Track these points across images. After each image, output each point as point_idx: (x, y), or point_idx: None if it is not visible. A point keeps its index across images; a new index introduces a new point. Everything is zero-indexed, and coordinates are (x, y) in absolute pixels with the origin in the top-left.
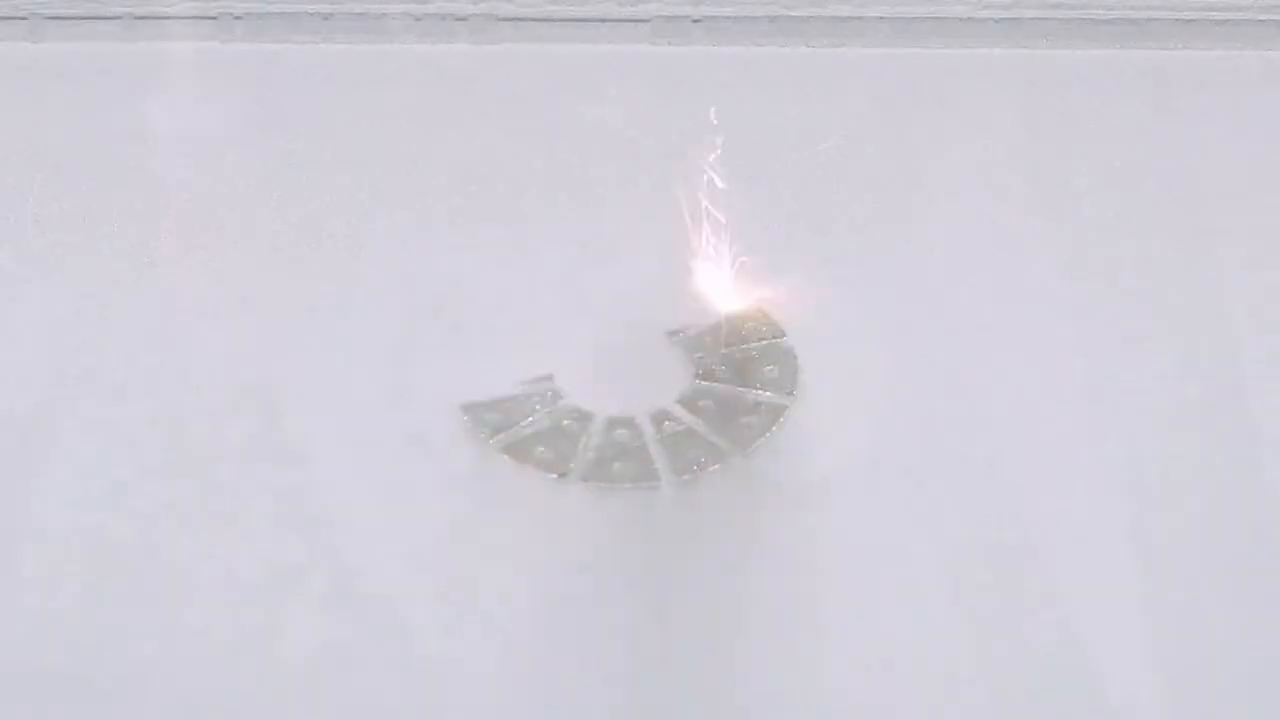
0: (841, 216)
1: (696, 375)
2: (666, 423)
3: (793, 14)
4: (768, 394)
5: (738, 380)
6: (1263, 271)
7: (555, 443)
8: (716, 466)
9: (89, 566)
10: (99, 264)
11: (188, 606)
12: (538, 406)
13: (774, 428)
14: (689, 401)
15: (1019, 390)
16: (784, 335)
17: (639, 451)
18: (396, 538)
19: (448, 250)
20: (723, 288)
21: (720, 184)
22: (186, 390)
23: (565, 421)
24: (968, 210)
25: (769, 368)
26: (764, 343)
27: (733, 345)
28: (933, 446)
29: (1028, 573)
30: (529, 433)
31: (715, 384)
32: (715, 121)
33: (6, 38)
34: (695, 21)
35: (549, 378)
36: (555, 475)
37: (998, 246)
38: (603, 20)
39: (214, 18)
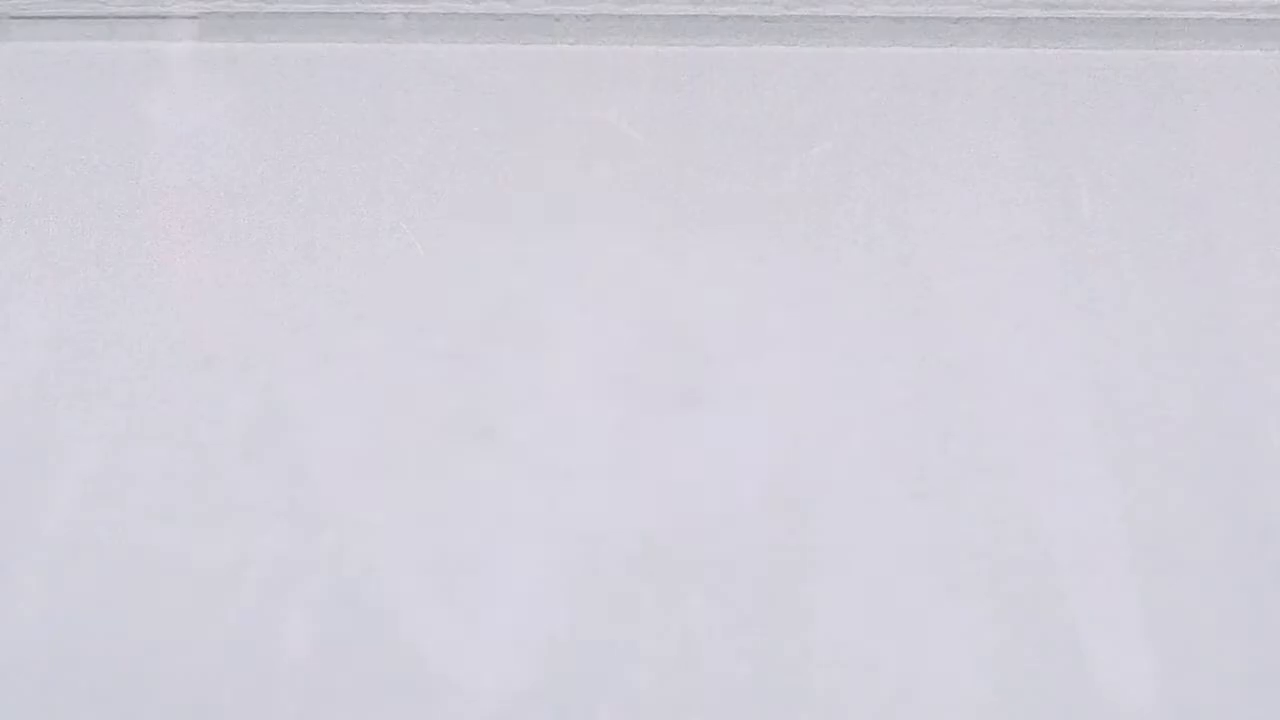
0: (841, 216)
1: None
2: None
3: (793, 14)
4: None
5: None
6: (1263, 269)
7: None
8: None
9: (89, 566)
10: (98, 264)
11: (189, 606)
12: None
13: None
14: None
15: (1020, 389)
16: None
17: None
18: (398, 538)
19: (448, 249)
20: (723, 287)
21: (719, 183)
22: (186, 388)
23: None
24: (968, 209)
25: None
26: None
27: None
28: (932, 445)
29: (1028, 571)
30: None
31: None
32: (714, 120)
33: (5, 38)
34: (695, 21)
35: None
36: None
37: (998, 246)
38: (603, 20)
39: (214, 16)
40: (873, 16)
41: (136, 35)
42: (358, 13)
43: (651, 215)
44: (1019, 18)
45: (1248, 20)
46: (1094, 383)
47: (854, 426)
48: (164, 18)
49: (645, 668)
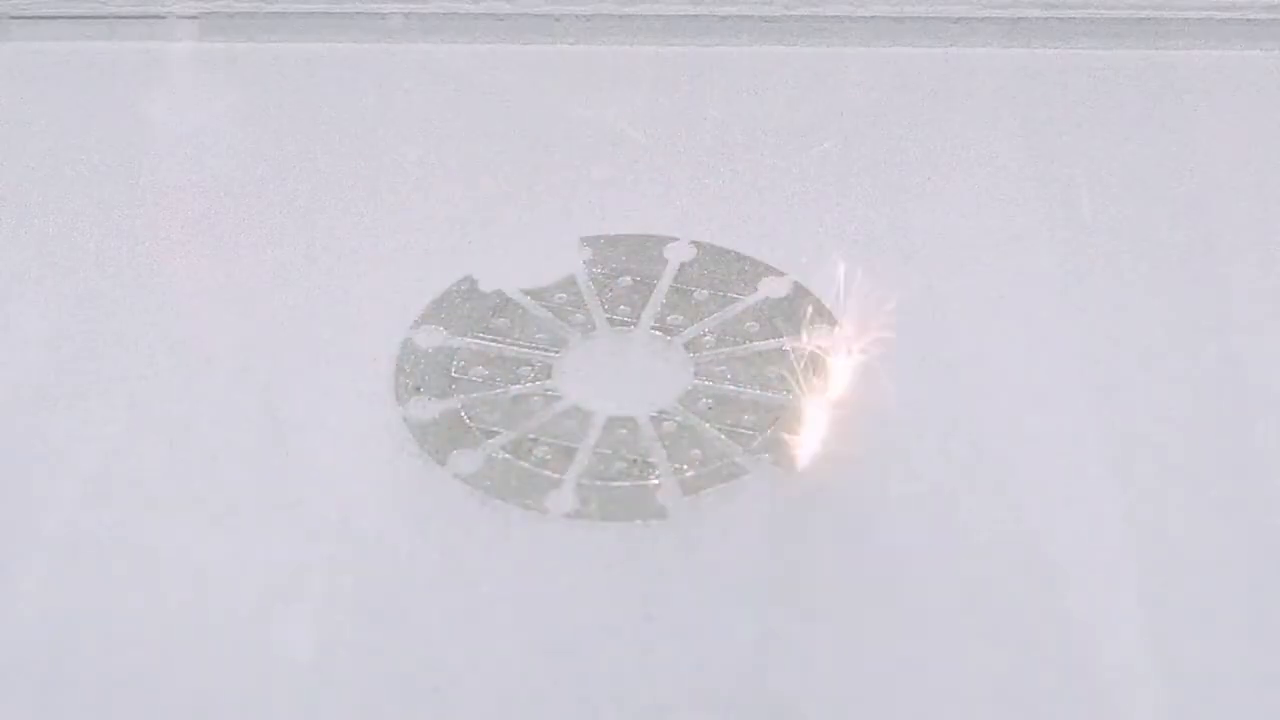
0: (842, 217)
1: (696, 375)
2: (666, 423)
3: (793, 14)
4: (768, 394)
5: (738, 380)
6: (1263, 269)
7: (555, 442)
8: (715, 466)
9: (89, 566)
10: (98, 264)
11: (188, 606)
12: (539, 406)
13: (773, 427)
14: (689, 401)
15: (1020, 389)
16: (783, 335)
17: (639, 451)
18: (399, 539)
19: (448, 250)
20: (724, 288)
21: (720, 184)
22: (186, 388)
23: (566, 421)
24: (967, 210)
25: (769, 368)
26: (764, 342)
27: (733, 345)
28: (932, 445)
29: (1028, 571)
30: (529, 433)
31: (715, 384)
32: (714, 120)
33: (5, 38)
34: (695, 21)
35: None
36: (555, 475)
37: (998, 246)
38: (603, 20)
39: (214, 16)
40: (873, 16)
41: (136, 35)
42: (358, 13)
43: (651, 215)
44: (1019, 18)
45: (1248, 20)
46: (1094, 383)
47: (854, 426)
48: (164, 18)
49: (648, 670)
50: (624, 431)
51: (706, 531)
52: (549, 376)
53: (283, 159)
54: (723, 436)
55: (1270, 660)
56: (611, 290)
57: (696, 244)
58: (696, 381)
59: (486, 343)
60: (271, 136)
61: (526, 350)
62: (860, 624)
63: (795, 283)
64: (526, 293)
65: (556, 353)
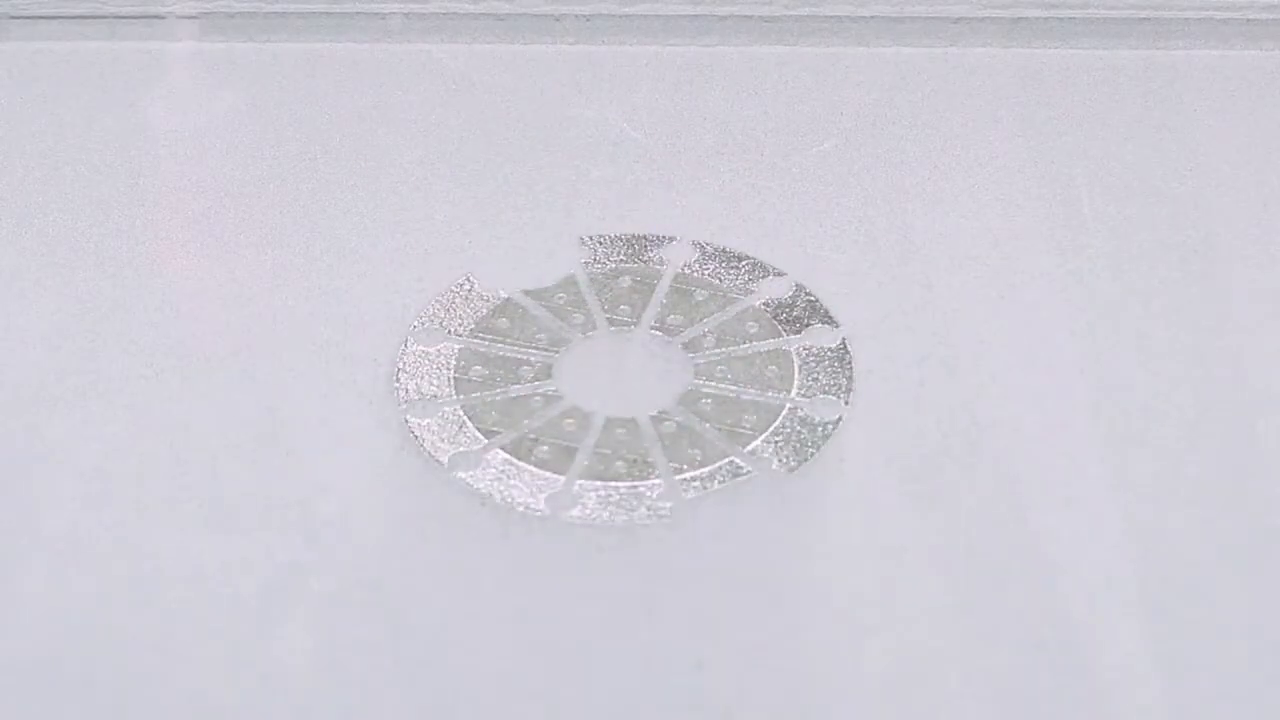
0: (841, 217)
1: (696, 375)
2: (666, 423)
3: (793, 14)
4: (768, 394)
5: (738, 380)
6: (1263, 269)
7: (555, 442)
8: (715, 466)
9: (89, 566)
10: (98, 264)
11: (188, 606)
12: (539, 406)
13: (773, 427)
14: (689, 401)
15: (1020, 389)
16: (783, 335)
17: (639, 451)
18: (399, 539)
19: (449, 250)
20: (723, 288)
21: (720, 184)
22: (186, 388)
23: (566, 421)
24: (968, 210)
25: (769, 368)
26: (764, 342)
27: (733, 345)
28: (932, 445)
29: (1028, 572)
30: (529, 433)
31: (715, 384)
32: (714, 120)
33: (5, 38)
34: (695, 21)
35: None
36: (555, 475)
37: (998, 246)
38: (603, 20)
39: (214, 16)
40: (873, 16)
41: (136, 35)
42: (358, 13)
43: (651, 215)
44: (1019, 18)
45: (1248, 20)
46: (1094, 383)
47: (853, 426)
48: (164, 18)
49: (644, 677)
50: (624, 431)
51: (706, 531)
52: (549, 376)
53: (283, 159)
54: (723, 437)
55: (1270, 660)
56: (611, 290)
57: (696, 244)
58: (696, 382)
59: (486, 343)
60: (271, 136)
61: (526, 350)
62: (860, 624)
63: (795, 283)
64: (526, 293)
65: (556, 353)
